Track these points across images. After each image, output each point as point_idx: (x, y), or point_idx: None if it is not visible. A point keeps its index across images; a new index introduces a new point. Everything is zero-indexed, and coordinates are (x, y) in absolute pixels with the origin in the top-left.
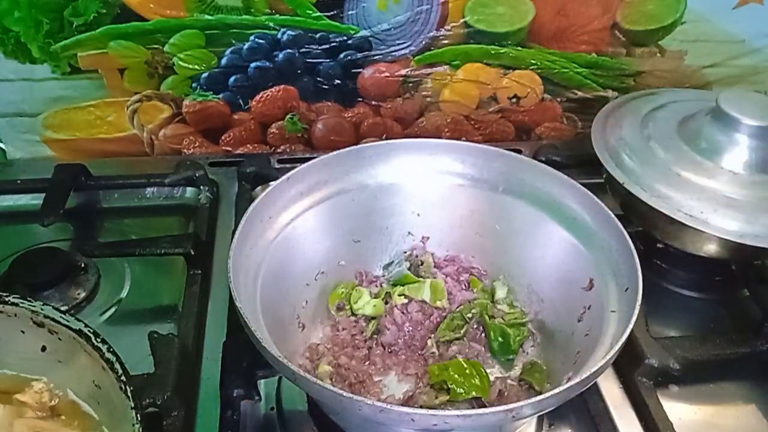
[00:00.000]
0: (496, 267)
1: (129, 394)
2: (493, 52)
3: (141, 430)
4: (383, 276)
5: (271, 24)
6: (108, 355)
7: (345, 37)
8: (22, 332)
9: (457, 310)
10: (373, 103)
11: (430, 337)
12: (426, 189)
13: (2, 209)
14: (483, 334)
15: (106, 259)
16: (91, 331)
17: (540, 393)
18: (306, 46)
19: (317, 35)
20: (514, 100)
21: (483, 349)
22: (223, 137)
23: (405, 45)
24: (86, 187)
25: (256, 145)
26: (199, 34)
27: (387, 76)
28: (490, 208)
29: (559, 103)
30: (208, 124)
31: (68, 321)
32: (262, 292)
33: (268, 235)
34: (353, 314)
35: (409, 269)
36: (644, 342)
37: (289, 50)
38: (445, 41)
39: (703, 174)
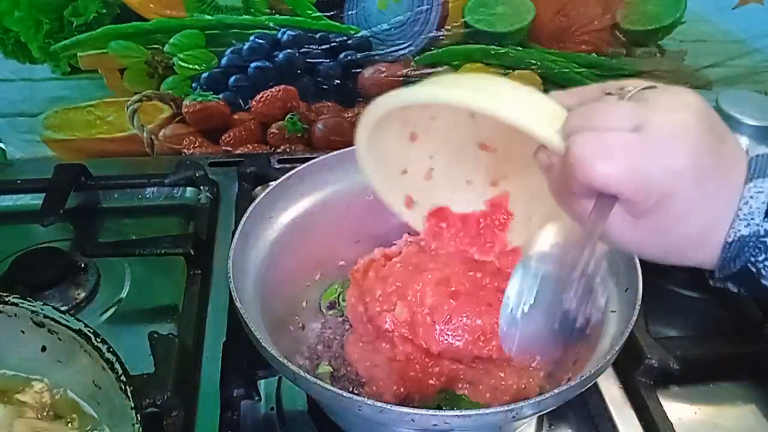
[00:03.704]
0: None
1: (129, 394)
2: (493, 52)
3: (141, 430)
4: None
5: (271, 24)
6: (108, 355)
7: (345, 37)
8: (22, 332)
9: None
10: None
11: None
12: None
13: (2, 209)
14: None
15: (106, 259)
16: (91, 331)
17: (540, 393)
18: (306, 46)
19: (317, 35)
20: None
21: None
22: (223, 137)
23: (405, 45)
24: (86, 187)
25: (256, 145)
26: (199, 34)
27: (387, 76)
28: None
29: None
30: (208, 124)
31: (68, 321)
32: (262, 292)
33: (269, 235)
34: (342, 315)
35: None
36: (644, 342)
37: (289, 50)
38: (445, 41)
39: None
